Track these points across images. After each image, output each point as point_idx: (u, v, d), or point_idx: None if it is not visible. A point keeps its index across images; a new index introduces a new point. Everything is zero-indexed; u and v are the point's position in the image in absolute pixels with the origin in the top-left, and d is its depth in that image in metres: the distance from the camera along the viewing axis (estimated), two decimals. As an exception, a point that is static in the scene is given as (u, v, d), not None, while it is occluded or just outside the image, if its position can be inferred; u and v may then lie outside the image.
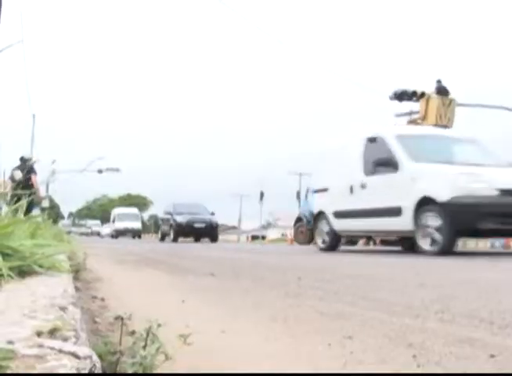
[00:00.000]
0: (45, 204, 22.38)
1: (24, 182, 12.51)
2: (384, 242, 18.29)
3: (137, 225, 37.73)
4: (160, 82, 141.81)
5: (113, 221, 39.10)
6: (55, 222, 12.79)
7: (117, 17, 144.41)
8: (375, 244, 19.04)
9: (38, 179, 12.99)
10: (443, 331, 1.94)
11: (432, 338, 1.84)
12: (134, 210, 42.03)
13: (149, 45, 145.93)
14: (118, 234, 36.39)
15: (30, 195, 13.39)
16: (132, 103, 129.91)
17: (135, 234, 36.68)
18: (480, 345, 1.72)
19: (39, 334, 0.79)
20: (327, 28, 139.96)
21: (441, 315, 2.29)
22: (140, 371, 1.14)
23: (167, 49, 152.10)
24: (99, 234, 45.59)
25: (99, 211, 69.40)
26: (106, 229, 46.78)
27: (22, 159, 13.01)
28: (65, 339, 0.79)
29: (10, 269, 1.59)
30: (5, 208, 2.35)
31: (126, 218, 38.00)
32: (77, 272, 3.71)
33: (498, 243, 17.94)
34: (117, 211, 40.23)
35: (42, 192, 15.67)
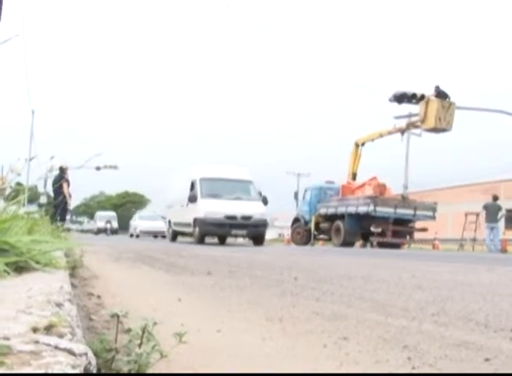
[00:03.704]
0: (43, 200, 22.35)
1: (58, 189, 12.97)
2: (381, 244, 18.32)
3: (115, 224, 45.87)
4: (160, 80, 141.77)
5: (95, 221, 48.02)
6: (63, 218, 12.98)
7: (117, 15, 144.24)
8: (372, 246, 19.06)
9: (70, 189, 13.68)
10: (439, 334, 1.95)
11: (427, 340, 1.84)
12: (112, 213, 50.44)
13: (150, 44, 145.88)
14: (99, 231, 43.87)
15: (64, 203, 13.60)
16: (131, 101, 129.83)
17: (113, 232, 43.79)
18: (475, 348, 1.73)
19: (35, 330, 0.79)
20: (328, 29, 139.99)
21: (437, 317, 2.30)
22: (135, 369, 1.13)
23: (168, 48, 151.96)
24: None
25: (97, 208, 69.21)
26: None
27: (60, 169, 13.12)
28: (61, 336, 0.79)
29: (7, 264, 1.59)
30: (2, 204, 2.34)
31: (106, 218, 46.12)
32: (73, 269, 3.70)
33: (493, 247, 17.96)
34: (98, 214, 49.58)
35: (72, 201, 16.55)
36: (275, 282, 3.85)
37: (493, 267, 6.11)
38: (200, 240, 16.72)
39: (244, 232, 16.81)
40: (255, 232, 16.89)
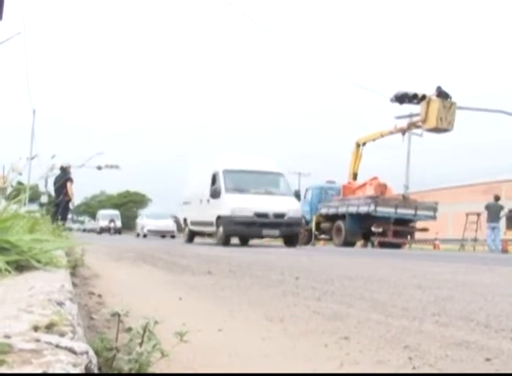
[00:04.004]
0: (44, 199, 22.37)
1: (60, 189, 12.93)
2: (382, 244, 18.32)
3: (118, 223, 43.86)
4: (162, 79, 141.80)
5: (98, 220, 45.94)
6: (64, 217, 13.01)
7: (117, 13, 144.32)
8: (373, 246, 19.05)
9: (74, 187, 13.65)
10: (439, 334, 1.95)
11: (428, 340, 1.84)
12: (115, 212, 48.22)
13: (150, 42, 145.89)
14: (101, 231, 41.98)
15: (65, 202, 13.63)
16: (132, 100, 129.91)
17: (116, 231, 41.88)
18: (476, 348, 1.73)
19: (36, 328, 0.79)
20: (329, 28, 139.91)
21: (438, 317, 2.29)
22: (136, 368, 1.13)
23: (168, 46, 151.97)
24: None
25: (98, 207, 69.28)
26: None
27: (61, 168, 13.13)
28: (62, 334, 0.79)
29: (8, 263, 1.59)
30: (3, 203, 2.34)
31: (109, 217, 44.05)
32: (74, 268, 3.70)
33: (494, 246, 17.95)
34: (101, 213, 47.24)
35: (75, 199, 16.45)
36: (275, 282, 3.85)
37: (494, 267, 6.11)
38: (225, 242, 14.51)
39: (277, 232, 14.55)
40: (289, 232, 14.61)
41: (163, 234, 31.69)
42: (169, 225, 31.67)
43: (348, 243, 18.70)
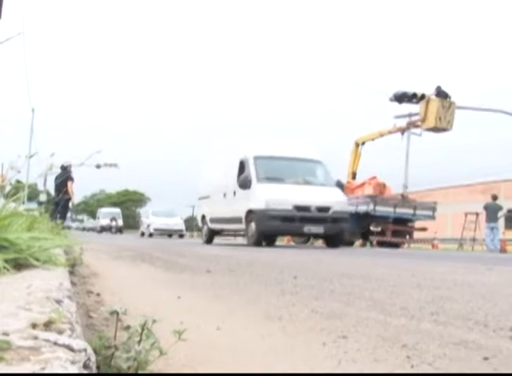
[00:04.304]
0: (43, 198, 22.35)
1: (60, 187, 13.00)
2: (380, 244, 18.33)
3: (120, 222, 42.00)
4: (161, 79, 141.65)
5: (98, 218, 44.02)
6: (63, 216, 13.08)
7: (117, 13, 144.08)
8: (371, 245, 19.06)
9: (74, 186, 13.65)
10: (437, 333, 1.95)
11: (426, 339, 1.84)
12: (116, 209, 46.30)
13: (150, 41, 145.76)
14: (102, 229, 40.33)
15: (65, 201, 13.75)
16: (131, 99, 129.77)
17: (118, 230, 40.15)
18: (474, 347, 1.73)
19: (34, 326, 0.79)
20: (328, 28, 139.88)
21: (436, 316, 2.30)
22: (135, 366, 1.13)
23: (168, 45, 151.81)
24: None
25: (97, 206, 69.31)
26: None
27: (62, 167, 13.23)
28: (60, 332, 0.79)
29: (6, 261, 1.59)
30: (2, 201, 2.34)
31: (110, 215, 42.34)
32: (73, 266, 3.70)
33: (493, 246, 17.98)
34: (101, 211, 45.25)
35: (76, 198, 16.37)
36: (274, 281, 3.85)
37: (493, 267, 6.12)
38: (257, 241, 12.21)
39: (321, 228, 12.11)
40: (335, 229, 12.29)
41: (170, 233, 29.67)
42: (177, 223, 29.86)
43: (347, 242, 18.72)
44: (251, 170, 12.73)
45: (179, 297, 2.87)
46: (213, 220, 14.91)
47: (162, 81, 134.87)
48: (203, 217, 15.72)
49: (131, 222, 55.61)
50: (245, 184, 12.71)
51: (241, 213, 12.68)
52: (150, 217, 30.54)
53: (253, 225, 12.24)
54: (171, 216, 30.40)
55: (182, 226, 30.31)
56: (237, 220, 13.01)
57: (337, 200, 12.48)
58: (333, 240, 12.84)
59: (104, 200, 78.42)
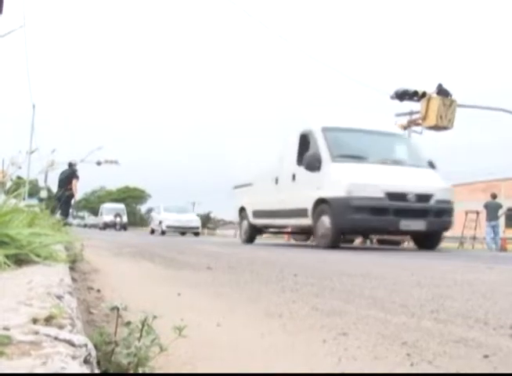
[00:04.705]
0: (43, 194, 22.38)
1: (65, 184, 13.23)
2: (381, 242, 18.32)
3: (124, 218, 40.68)
4: (162, 76, 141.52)
5: (101, 214, 42.29)
6: (65, 213, 13.31)
7: (119, 9, 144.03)
8: (371, 242, 19.06)
9: (78, 184, 13.89)
10: (438, 331, 1.95)
11: (426, 337, 1.84)
12: (120, 205, 44.98)
13: (151, 39, 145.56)
14: (105, 226, 38.99)
15: (68, 197, 14.05)
16: (132, 96, 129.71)
17: (122, 227, 38.88)
18: (474, 345, 1.73)
19: (35, 321, 0.79)
20: (329, 26, 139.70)
21: (436, 314, 2.30)
22: (135, 362, 1.14)
23: (168, 43, 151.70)
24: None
25: (98, 202, 69.36)
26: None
27: (69, 164, 13.52)
28: (61, 327, 0.79)
29: (7, 257, 1.59)
30: (2, 197, 2.34)
31: (114, 211, 40.90)
32: (73, 262, 3.71)
33: (493, 245, 17.99)
34: (105, 207, 43.60)
35: (78, 195, 16.57)
36: (275, 278, 3.85)
37: (493, 265, 6.12)
38: (334, 241, 9.27)
39: (422, 224, 9.11)
40: (439, 224, 9.51)
41: (184, 231, 26.76)
42: (193, 219, 27.10)
43: (347, 240, 18.70)
44: (321, 145, 9.58)
45: (179, 294, 2.88)
46: (257, 213, 11.81)
47: (163, 78, 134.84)
48: (242, 210, 12.65)
49: (131, 219, 55.72)
50: (312, 164, 9.50)
51: (305, 203, 9.55)
52: (162, 213, 27.49)
53: (325, 219, 9.13)
54: (185, 212, 28.08)
55: (198, 223, 27.37)
56: (298, 213, 9.92)
57: (439, 186, 9.49)
58: (431, 240, 9.94)
59: (105, 196, 78.46)
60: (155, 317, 1.23)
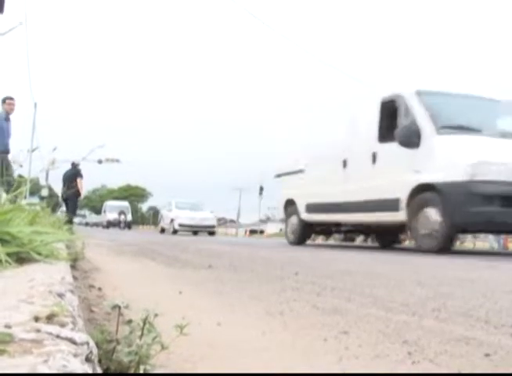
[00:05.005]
0: (44, 193, 22.40)
1: (70, 183, 13.56)
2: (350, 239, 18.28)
3: (129, 216, 39.41)
4: (163, 75, 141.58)
5: (105, 212, 40.98)
6: (73, 211, 13.53)
7: (120, 7, 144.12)
8: (373, 241, 19.04)
9: (83, 183, 14.24)
10: (439, 329, 1.95)
11: (428, 335, 1.84)
12: (124, 203, 43.87)
13: (154, 37, 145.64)
14: (109, 225, 37.52)
15: (74, 195, 14.36)
16: (133, 95, 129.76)
17: (127, 225, 37.59)
18: (475, 344, 1.73)
19: (36, 319, 0.79)
20: (330, 25, 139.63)
21: (438, 313, 2.30)
22: (136, 360, 1.14)
23: (169, 41, 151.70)
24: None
25: (99, 201, 69.49)
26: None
27: (72, 164, 14.10)
28: (62, 325, 0.79)
29: (8, 255, 1.59)
30: (4, 196, 2.35)
31: (118, 209, 39.49)
32: (75, 261, 3.71)
33: (496, 244, 17.98)
34: (108, 204, 42.32)
35: (83, 194, 16.82)
36: (276, 277, 3.85)
37: (495, 264, 6.11)
38: (447, 242, 7.17)
39: None
40: None
41: (198, 230, 24.35)
42: (208, 217, 24.72)
43: (348, 238, 18.68)
44: (419, 114, 7.36)
45: (181, 292, 2.88)
46: (313, 207, 9.58)
47: (165, 77, 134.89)
48: (290, 203, 10.40)
49: (133, 217, 55.76)
50: (409, 139, 7.32)
51: (396, 192, 7.47)
52: (174, 210, 24.94)
53: (432, 212, 7.04)
54: (199, 209, 25.44)
55: (214, 221, 25.27)
56: (382, 205, 7.80)
57: None
58: None
59: (106, 195, 78.56)
60: (156, 315, 1.23)
